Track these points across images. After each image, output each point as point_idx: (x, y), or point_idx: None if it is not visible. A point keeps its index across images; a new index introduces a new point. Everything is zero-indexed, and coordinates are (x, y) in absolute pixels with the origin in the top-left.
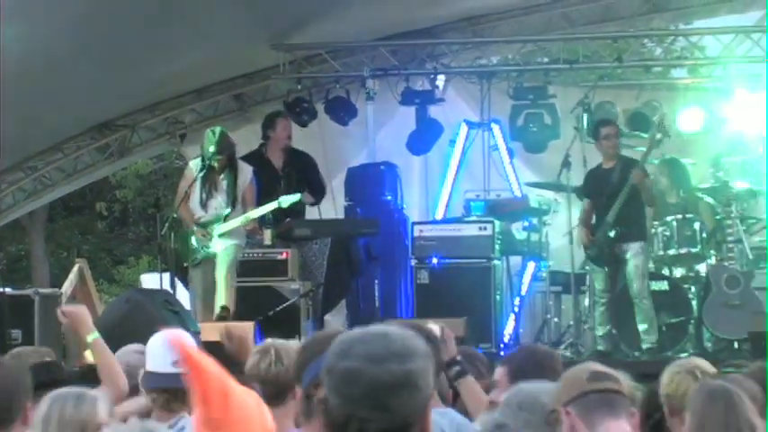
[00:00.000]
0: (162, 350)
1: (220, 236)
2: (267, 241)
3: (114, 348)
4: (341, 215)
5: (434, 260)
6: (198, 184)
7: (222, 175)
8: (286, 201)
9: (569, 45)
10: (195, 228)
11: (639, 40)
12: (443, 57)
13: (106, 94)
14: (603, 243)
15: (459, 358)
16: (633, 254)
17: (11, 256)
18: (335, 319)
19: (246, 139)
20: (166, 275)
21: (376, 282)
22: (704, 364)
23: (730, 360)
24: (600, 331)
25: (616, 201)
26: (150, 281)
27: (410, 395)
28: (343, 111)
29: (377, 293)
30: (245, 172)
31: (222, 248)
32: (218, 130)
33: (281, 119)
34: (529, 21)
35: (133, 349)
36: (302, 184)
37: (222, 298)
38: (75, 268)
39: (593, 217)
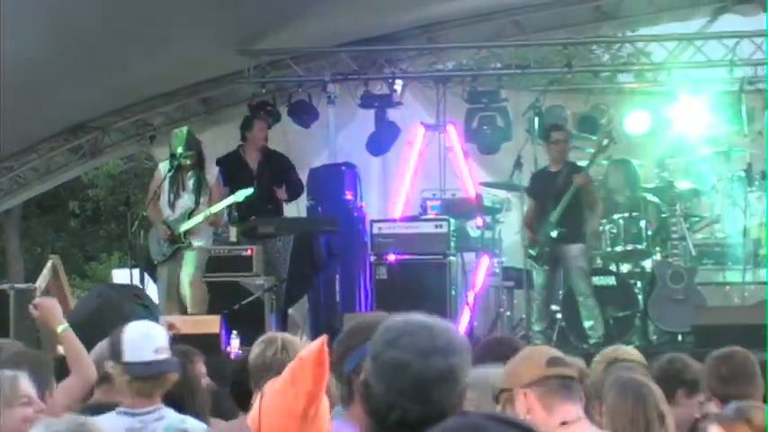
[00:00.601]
0: (142, 340)
1: (185, 233)
2: (233, 238)
3: (86, 339)
4: (303, 214)
5: (392, 256)
6: (166, 185)
7: (190, 173)
8: (241, 194)
9: (521, 51)
10: (159, 226)
11: (588, 47)
12: (401, 62)
13: (78, 98)
14: (545, 243)
15: None
16: (574, 255)
17: None
18: (298, 313)
19: (213, 140)
20: (136, 271)
21: (336, 277)
22: (630, 353)
23: (673, 351)
24: (537, 327)
25: (560, 203)
26: (121, 276)
27: (450, 388)
28: (305, 114)
29: (337, 288)
30: (212, 171)
31: (189, 250)
32: (185, 129)
33: (257, 120)
34: (482, 28)
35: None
36: (277, 182)
37: (189, 304)
38: (49, 264)
39: (537, 217)
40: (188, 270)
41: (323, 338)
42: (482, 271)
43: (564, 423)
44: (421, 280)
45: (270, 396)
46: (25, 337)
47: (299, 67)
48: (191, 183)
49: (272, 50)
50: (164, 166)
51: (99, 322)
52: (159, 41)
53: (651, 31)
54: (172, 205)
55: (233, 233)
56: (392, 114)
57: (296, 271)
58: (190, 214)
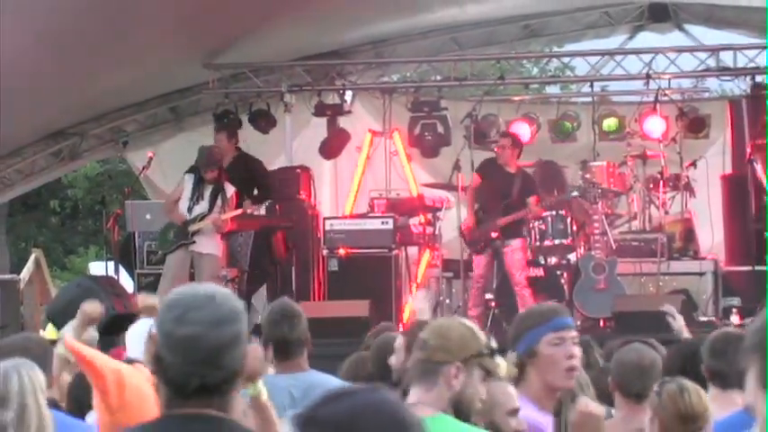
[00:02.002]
0: (142, 338)
1: (194, 234)
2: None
3: (65, 325)
4: (263, 212)
5: (343, 250)
6: (188, 192)
7: (210, 185)
8: (247, 207)
9: (459, 65)
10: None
11: (519, 62)
12: (351, 75)
13: (58, 106)
14: (485, 235)
15: None
16: (513, 248)
17: None
18: (258, 302)
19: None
20: (111, 263)
21: (292, 269)
22: None
23: (595, 335)
24: (473, 311)
25: (511, 213)
26: (97, 268)
27: (239, 351)
28: (264, 121)
29: (293, 279)
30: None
31: (202, 251)
32: (205, 147)
33: (216, 132)
34: (424, 44)
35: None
36: (245, 186)
37: None
38: (33, 257)
39: (481, 209)
40: (201, 278)
41: (70, 340)
42: (424, 263)
43: None
44: (369, 271)
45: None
46: (10, 323)
47: (258, 78)
48: (208, 192)
49: (233, 64)
50: (188, 177)
51: (77, 310)
52: (131, 55)
53: (575, 46)
54: (190, 210)
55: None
56: (343, 122)
57: (256, 263)
58: (201, 218)
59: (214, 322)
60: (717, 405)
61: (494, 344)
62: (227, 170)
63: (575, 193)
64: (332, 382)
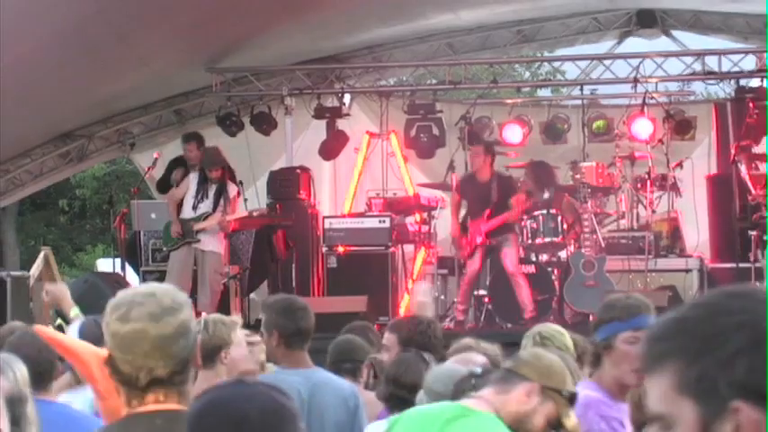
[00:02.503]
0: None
1: (197, 232)
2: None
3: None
4: (264, 210)
5: (341, 248)
6: (193, 191)
7: (214, 185)
8: (251, 209)
9: (453, 69)
10: (174, 222)
11: (511, 66)
12: (349, 78)
13: (67, 109)
14: (471, 242)
15: None
16: (508, 247)
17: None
18: (259, 297)
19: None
20: (118, 260)
21: (293, 266)
22: (550, 330)
23: (585, 329)
24: (460, 307)
25: (496, 215)
26: (104, 265)
27: (186, 340)
28: (265, 123)
29: (293, 275)
30: (233, 187)
31: (205, 248)
32: (211, 148)
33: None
34: (419, 49)
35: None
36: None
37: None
38: (42, 254)
39: (467, 220)
40: (204, 277)
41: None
42: (419, 261)
43: None
44: (366, 268)
45: None
46: (21, 319)
47: (259, 82)
48: (212, 191)
49: (235, 68)
50: (194, 175)
51: (86, 305)
52: (137, 60)
53: (566, 51)
54: (195, 207)
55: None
56: (341, 124)
57: (257, 260)
58: (206, 217)
59: (155, 316)
60: None
61: (575, 392)
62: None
63: (546, 196)
64: (336, 381)
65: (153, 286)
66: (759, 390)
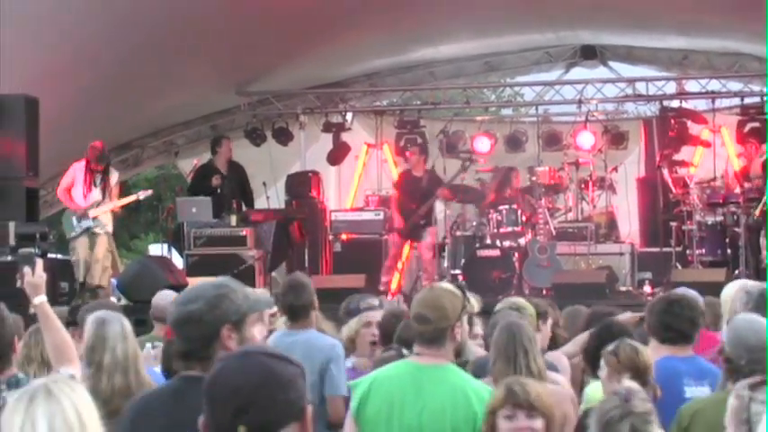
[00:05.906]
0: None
1: (94, 219)
2: (233, 223)
3: (131, 294)
4: (283, 206)
5: (345, 236)
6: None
7: (98, 176)
8: (143, 194)
9: (434, 92)
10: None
11: (480, 90)
12: (351, 100)
13: (124, 125)
14: (414, 223)
15: None
16: (427, 238)
17: (60, 234)
18: (279, 275)
19: None
20: (166, 246)
21: (306, 250)
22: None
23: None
24: (384, 277)
25: (424, 203)
26: (155, 249)
27: (194, 327)
28: (283, 136)
29: (306, 258)
30: (114, 175)
31: (100, 231)
32: (99, 144)
33: (224, 140)
34: (407, 76)
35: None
36: (240, 186)
37: (97, 276)
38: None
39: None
40: (99, 254)
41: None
42: (407, 246)
43: None
44: (364, 252)
45: None
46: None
47: (279, 103)
48: (97, 182)
49: (260, 92)
50: (78, 166)
51: (140, 282)
52: (181, 84)
53: (524, 78)
54: (85, 197)
55: (233, 219)
56: (344, 137)
57: (277, 245)
58: (98, 205)
59: (182, 302)
60: (654, 354)
61: (463, 283)
62: (228, 172)
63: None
64: (323, 339)
65: (200, 283)
66: None
